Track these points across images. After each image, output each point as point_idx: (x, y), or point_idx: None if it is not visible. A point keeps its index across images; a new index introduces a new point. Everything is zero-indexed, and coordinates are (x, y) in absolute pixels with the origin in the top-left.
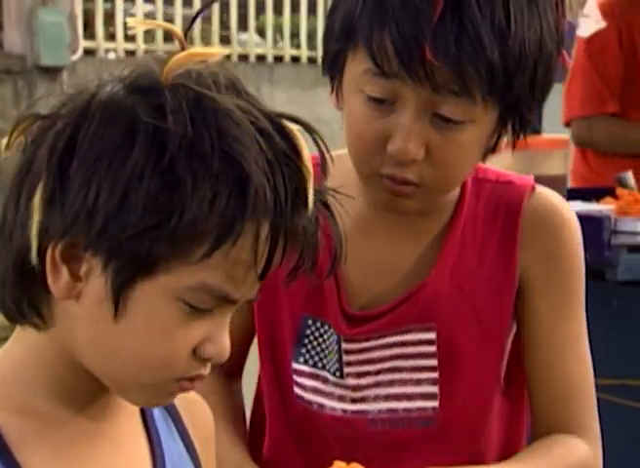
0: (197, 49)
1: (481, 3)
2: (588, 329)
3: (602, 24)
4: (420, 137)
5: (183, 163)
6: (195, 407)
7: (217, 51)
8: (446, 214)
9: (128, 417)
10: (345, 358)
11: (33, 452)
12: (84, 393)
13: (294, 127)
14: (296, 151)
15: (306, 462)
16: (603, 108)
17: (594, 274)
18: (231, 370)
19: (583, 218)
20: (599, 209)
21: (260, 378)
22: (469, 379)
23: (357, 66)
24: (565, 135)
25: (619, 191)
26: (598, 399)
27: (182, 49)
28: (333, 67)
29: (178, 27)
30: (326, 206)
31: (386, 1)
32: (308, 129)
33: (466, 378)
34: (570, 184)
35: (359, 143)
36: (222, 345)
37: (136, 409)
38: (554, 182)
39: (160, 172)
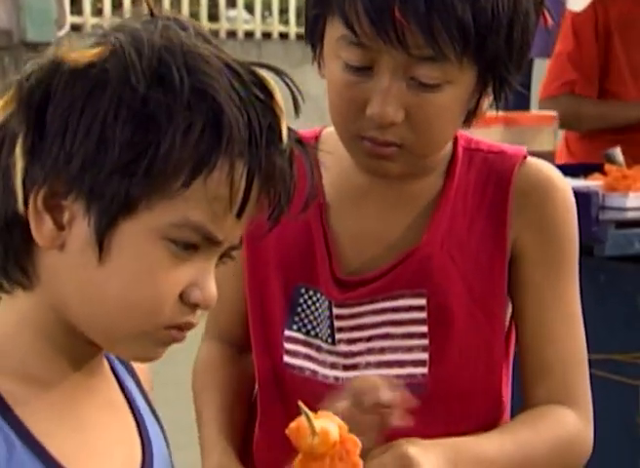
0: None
1: None
2: None
3: None
4: (397, 100)
5: (155, 99)
6: None
7: None
8: (437, 182)
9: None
10: (337, 324)
11: (34, 415)
12: (78, 354)
13: (263, 73)
14: (267, 93)
15: None
16: (570, 89)
17: (582, 249)
18: (241, 343)
19: None
20: (587, 184)
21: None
22: (458, 347)
23: (334, 32)
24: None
25: (607, 167)
26: None
27: (152, 14)
28: (313, 34)
29: (167, 3)
30: (299, 142)
31: None
32: (276, 71)
33: (456, 346)
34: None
35: (339, 108)
36: (209, 290)
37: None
38: (542, 159)
39: (134, 110)
